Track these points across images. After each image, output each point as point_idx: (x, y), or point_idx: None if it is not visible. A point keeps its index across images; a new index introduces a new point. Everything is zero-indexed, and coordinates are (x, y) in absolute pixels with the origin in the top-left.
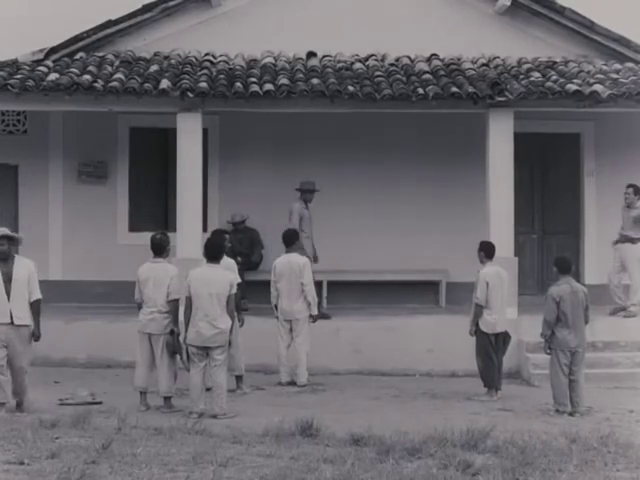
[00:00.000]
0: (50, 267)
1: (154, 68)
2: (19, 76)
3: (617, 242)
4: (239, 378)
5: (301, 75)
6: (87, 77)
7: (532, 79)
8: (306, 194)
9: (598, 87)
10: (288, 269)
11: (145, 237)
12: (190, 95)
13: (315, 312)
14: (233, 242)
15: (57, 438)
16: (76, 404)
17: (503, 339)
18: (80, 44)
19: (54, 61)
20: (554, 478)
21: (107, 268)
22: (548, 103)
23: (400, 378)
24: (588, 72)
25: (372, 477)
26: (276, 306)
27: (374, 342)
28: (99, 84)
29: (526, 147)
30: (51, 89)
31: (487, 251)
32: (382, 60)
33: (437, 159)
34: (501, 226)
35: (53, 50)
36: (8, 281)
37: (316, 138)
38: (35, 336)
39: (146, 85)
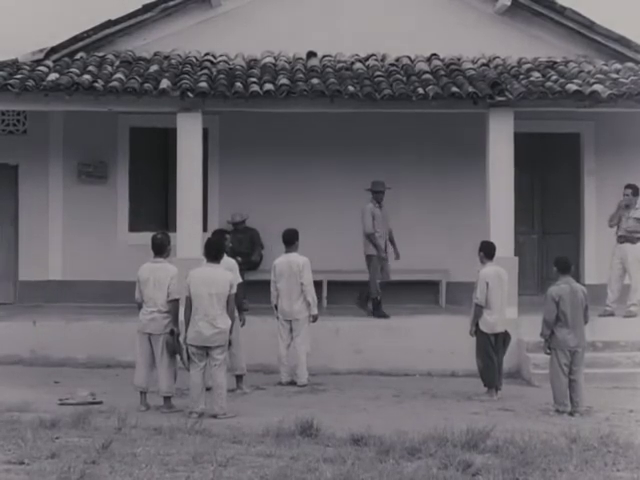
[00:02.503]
0: (50, 267)
1: (154, 68)
2: (19, 76)
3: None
4: (239, 378)
5: (301, 75)
6: (87, 77)
7: (532, 79)
8: (377, 194)
9: (598, 87)
10: (288, 269)
11: (145, 237)
12: (190, 95)
13: (315, 312)
14: (233, 242)
15: (57, 438)
16: (76, 404)
17: (503, 339)
18: (80, 44)
19: (54, 61)
20: (554, 478)
21: (107, 268)
22: (548, 103)
23: (400, 378)
24: (588, 72)
25: (372, 477)
26: (276, 306)
27: (374, 342)
28: (99, 84)
29: (526, 147)
30: (51, 89)
31: (487, 251)
32: (382, 60)
33: (437, 159)
34: (501, 226)
35: (53, 50)
36: None
37: (316, 138)
38: None
39: (146, 85)
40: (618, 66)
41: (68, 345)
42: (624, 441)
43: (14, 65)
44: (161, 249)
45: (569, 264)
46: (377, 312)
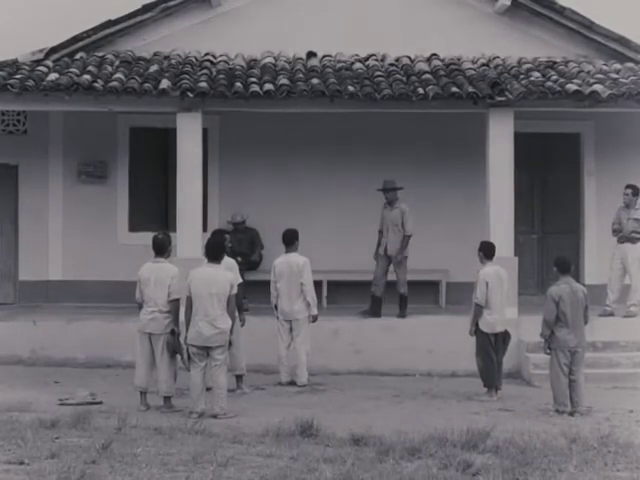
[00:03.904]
0: (50, 267)
1: (154, 68)
2: (19, 76)
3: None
4: (239, 378)
5: (301, 75)
6: (87, 77)
7: (532, 79)
8: (386, 194)
9: (598, 87)
10: (288, 269)
11: (145, 237)
12: (190, 95)
13: (315, 312)
14: (233, 242)
15: (57, 438)
16: (76, 404)
17: (503, 339)
18: (80, 44)
19: (54, 61)
20: (554, 478)
21: (107, 268)
22: (548, 103)
23: (400, 378)
24: (588, 72)
25: (372, 477)
26: (276, 306)
27: (374, 342)
28: (99, 84)
29: (526, 147)
30: (51, 89)
31: (486, 251)
32: (382, 60)
33: (437, 159)
34: (501, 226)
35: (53, 50)
36: None
37: (316, 138)
38: None
39: (146, 85)
40: (618, 66)
41: (68, 345)
42: (624, 441)
43: (14, 65)
44: (162, 249)
45: (569, 264)
46: (367, 310)
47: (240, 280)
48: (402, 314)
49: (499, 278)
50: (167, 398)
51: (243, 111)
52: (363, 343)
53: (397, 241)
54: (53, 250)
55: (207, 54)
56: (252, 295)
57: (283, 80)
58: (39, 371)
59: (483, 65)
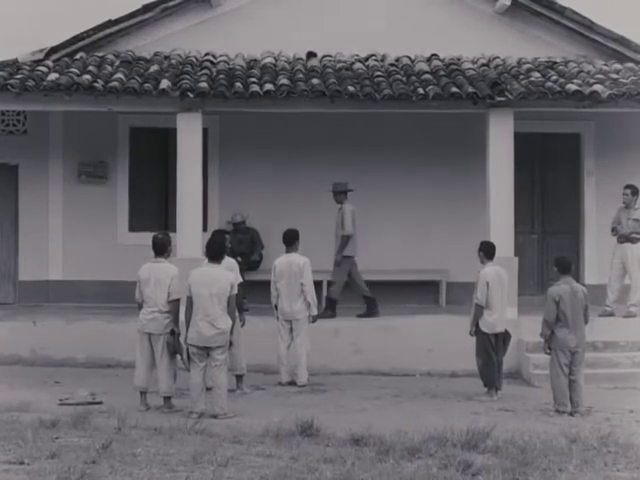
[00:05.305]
0: (50, 267)
1: (154, 68)
2: (19, 76)
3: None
4: (239, 378)
5: (301, 75)
6: (87, 77)
7: (532, 79)
8: (334, 196)
9: (598, 87)
10: (288, 269)
11: (145, 237)
12: (190, 95)
13: (315, 312)
14: (233, 242)
15: (57, 438)
16: (76, 404)
17: (503, 339)
18: (80, 44)
19: (54, 61)
20: (554, 478)
21: (107, 268)
22: (548, 103)
23: (400, 378)
24: (588, 72)
25: (372, 477)
26: (276, 306)
27: (374, 342)
28: (99, 84)
29: (526, 147)
30: (51, 89)
31: (487, 251)
32: (382, 60)
33: (436, 159)
34: (501, 226)
35: (53, 50)
36: None
37: (316, 138)
38: None
39: (146, 85)
40: (618, 66)
41: (68, 345)
42: (624, 441)
43: (14, 65)
44: (162, 249)
45: (569, 264)
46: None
47: (240, 280)
48: (324, 314)
49: (499, 278)
50: (167, 398)
51: (243, 111)
52: (363, 343)
53: (339, 242)
54: (53, 250)
55: (207, 54)
56: (252, 295)
57: (283, 80)
58: (39, 371)
59: (483, 65)
